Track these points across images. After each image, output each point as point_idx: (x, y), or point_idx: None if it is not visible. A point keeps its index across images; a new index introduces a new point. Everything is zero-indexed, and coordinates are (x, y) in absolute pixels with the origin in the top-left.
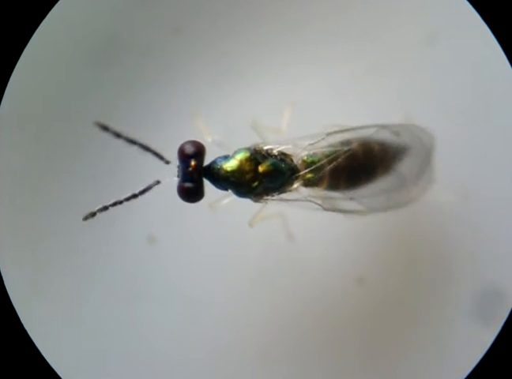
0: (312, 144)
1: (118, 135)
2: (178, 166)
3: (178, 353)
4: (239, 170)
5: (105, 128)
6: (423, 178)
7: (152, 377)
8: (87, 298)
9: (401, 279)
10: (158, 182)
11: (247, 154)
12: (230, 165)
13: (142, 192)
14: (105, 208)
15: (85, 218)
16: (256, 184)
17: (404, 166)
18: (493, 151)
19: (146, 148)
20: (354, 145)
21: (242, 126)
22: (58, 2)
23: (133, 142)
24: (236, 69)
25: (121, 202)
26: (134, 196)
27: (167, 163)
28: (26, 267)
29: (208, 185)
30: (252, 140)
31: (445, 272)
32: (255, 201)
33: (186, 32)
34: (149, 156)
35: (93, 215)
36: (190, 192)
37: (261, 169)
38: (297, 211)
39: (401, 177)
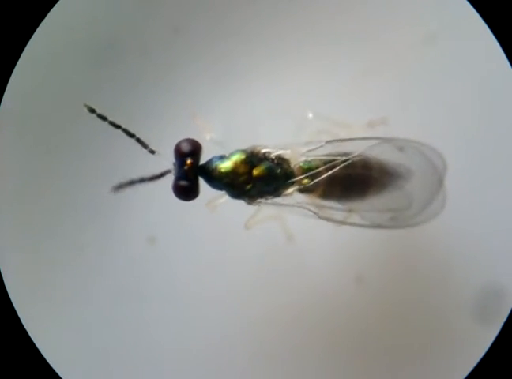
0: (311, 151)
1: (103, 118)
2: (174, 164)
3: (178, 352)
4: (232, 172)
5: (92, 110)
6: (431, 201)
7: (152, 376)
8: (87, 297)
9: (401, 278)
10: (169, 171)
11: (243, 156)
12: (224, 166)
13: (162, 175)
14: (132, 183)
15: (115, 189)
16: (249, 187)
17: (413, 186)
18: (492, 151)
19: (130, 134)
20: (353, 156)
21: (242, 127)
22: (58, 3)
23: (117, 126)
24: (237, 69)
25: (144, 180)
26: (155, 177)
27: (152, 152)
28: (26, 267)
29: (204, 184)
30: (252, 140)
31: (445, 271)
32: (248, 203)
33: (187, 32)
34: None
35: (121, 187)
36: (185, 190)
37: (255, 172)
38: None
39: (409, 197)
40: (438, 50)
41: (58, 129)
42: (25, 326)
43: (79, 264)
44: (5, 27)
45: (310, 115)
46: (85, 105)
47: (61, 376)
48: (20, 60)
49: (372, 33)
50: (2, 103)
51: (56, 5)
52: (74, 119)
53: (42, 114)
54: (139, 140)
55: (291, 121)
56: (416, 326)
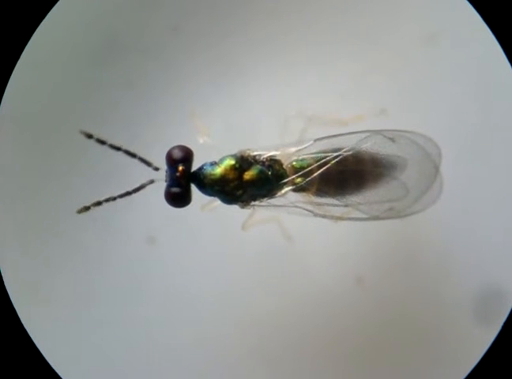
0: (300, 150)
1: (102, 142)
2: (167, 171)
3: (178, 352)
4: (222, 179)
5: (89, 136)
6: (428, 189)
7: (152, 376)
8: (87, 297)
9: (401, 278)
10: (152, 181)
11: (232, 162)
12: (214, 173)
13: (136, 190)
14: (99, 204)
15: (79, 211)
16: (240, 192)
17: (409, 175)
18: (492, 151)
19: (132, 155)
20: (344, 151)
21: (240, 126)
22: (58, 2)
23: (117, 149)
24: (236, 68)
25: (114, 198)
26: (128, 193)
27: (156, 169)
28: (26, 267)
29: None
30: (251, 139)
31: (444, 271)
32: (242, 208)
33: (186, 31)
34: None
35: (87, 209)
36: (177, 197)
37: (246, 177)
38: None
39: (406, 186)
40: (438, 50)
41: (57, 128)
42: (25, 326)
43: (79, 264)
44: (5, 27)
45: (308, 115)
46: (81, 131)
47: (61, 376)
48: (20, 60)
49: (372, 33)
50: (2, 103)
51: (56, 5)
52: (74, 118)
53: (42, 113)
54: (142, 159)
55: (290, 121)
56: (415, 326)
